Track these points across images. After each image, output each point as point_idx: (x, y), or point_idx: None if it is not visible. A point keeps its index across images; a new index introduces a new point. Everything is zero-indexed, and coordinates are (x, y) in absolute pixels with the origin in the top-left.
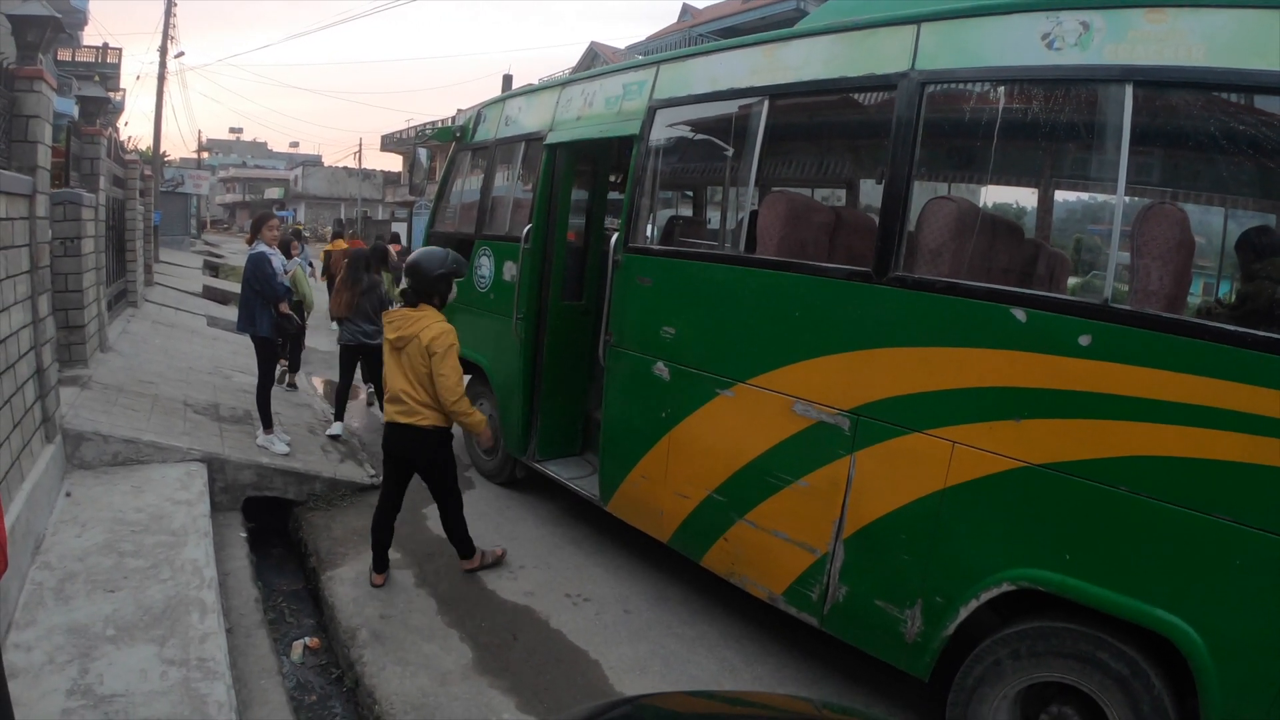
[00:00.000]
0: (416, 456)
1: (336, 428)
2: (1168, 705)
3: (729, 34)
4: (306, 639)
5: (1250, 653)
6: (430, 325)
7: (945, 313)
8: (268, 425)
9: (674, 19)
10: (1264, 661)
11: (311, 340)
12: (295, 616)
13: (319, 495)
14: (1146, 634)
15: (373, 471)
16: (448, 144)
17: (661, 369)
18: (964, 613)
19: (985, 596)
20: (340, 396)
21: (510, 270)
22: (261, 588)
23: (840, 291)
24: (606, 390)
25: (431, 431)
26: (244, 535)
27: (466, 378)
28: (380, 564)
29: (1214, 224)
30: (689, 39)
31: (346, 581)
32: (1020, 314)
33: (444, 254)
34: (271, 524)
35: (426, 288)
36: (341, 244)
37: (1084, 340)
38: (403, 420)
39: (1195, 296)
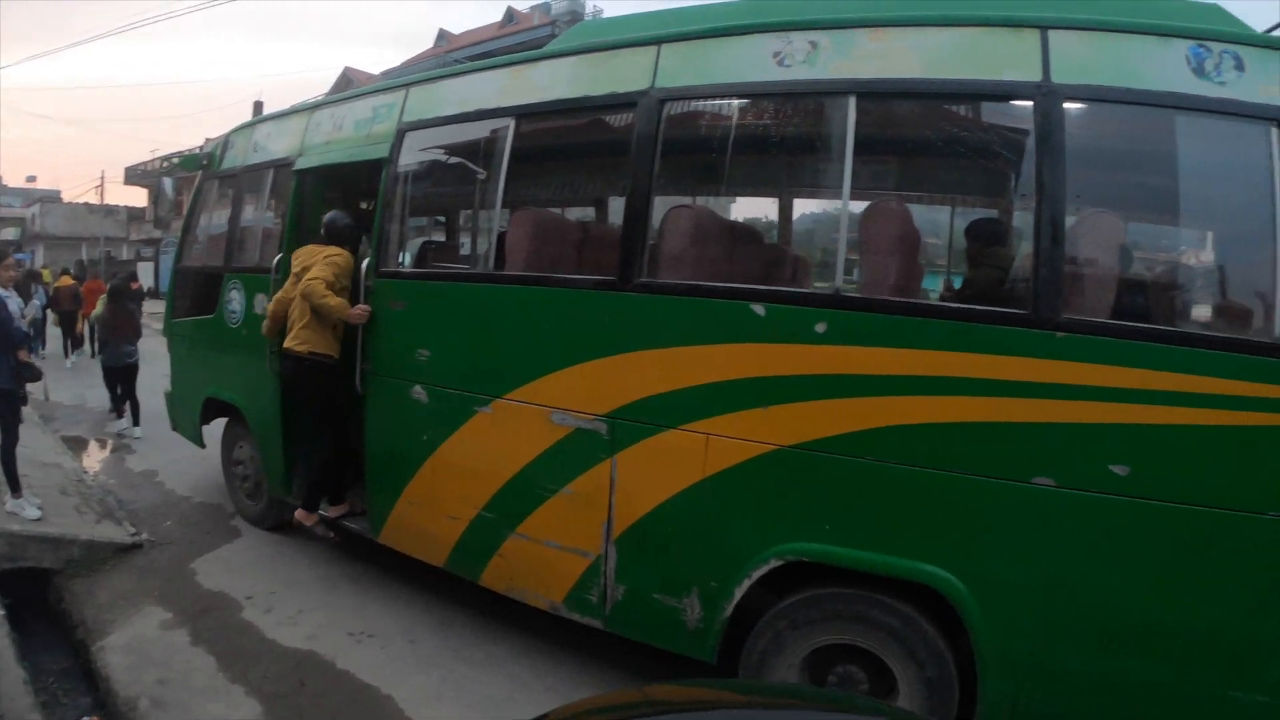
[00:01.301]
0: (302, 384)
1: (123, 424)
2: (943, 648)
3: (485, 58)
4: (85, 718)
5: (1008, 589)
6: (326, 254)
7: (689, 313)
8: (15, 489)
9: (430, 44)
10: (1022, 595)
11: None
12: (69, 696)
13: (79, 560)
14: (913, 586)
15: (133, 530)
16: (195, 173)
17: (419, 392)
18: (738, 593)
19: (756, 575)
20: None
21: (262, 303)
22: (29, 668)
23: (588, 301)
24: (367, 419)
25: (309, 359)
26: (1, 613)
27: (224, 420)
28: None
29: (942, 220)
30: (444, 63)
31: (119, 649)
32: (759, 309)
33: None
34: (32, 597)
35: (336, 235)
36: (68, 280)
37: (820, 328)
38: (291, 347)
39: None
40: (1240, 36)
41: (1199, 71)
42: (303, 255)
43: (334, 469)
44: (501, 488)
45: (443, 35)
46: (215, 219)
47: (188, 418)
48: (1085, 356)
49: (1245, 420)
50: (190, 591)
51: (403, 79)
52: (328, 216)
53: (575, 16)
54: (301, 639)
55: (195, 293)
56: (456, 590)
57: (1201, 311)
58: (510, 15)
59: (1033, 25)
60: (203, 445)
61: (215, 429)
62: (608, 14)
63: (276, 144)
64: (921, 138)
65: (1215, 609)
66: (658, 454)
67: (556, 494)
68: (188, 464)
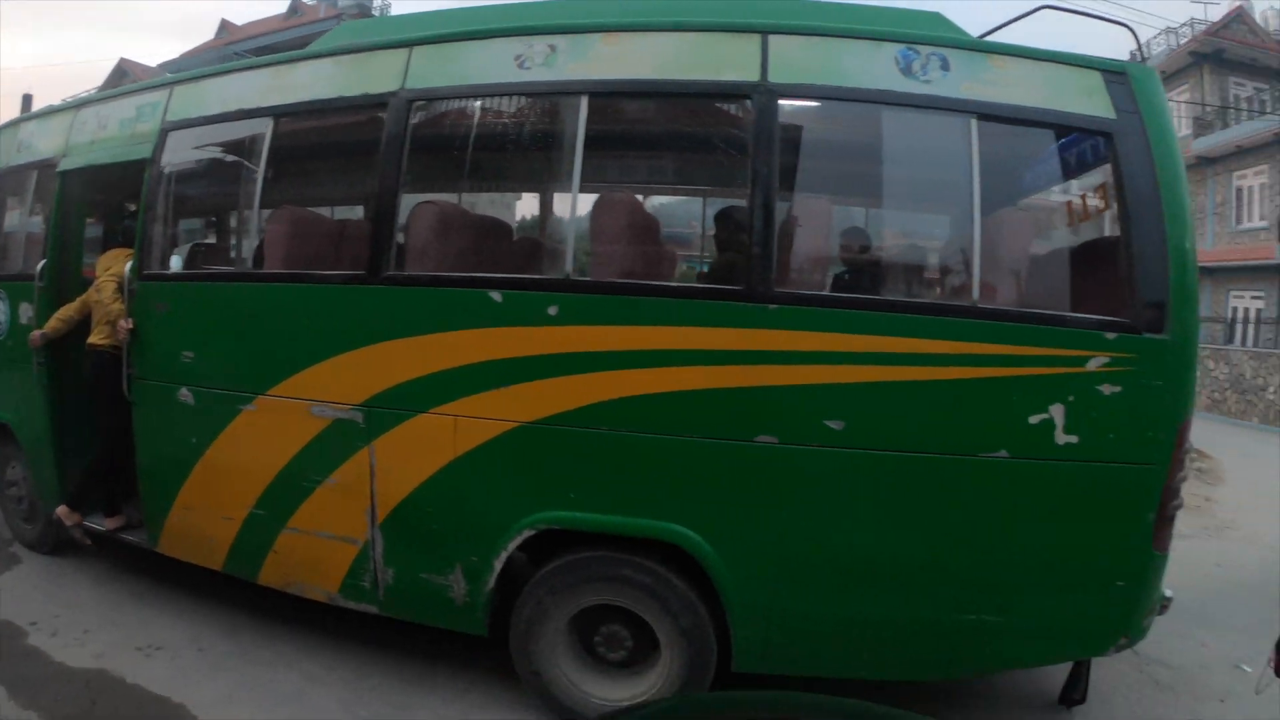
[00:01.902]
0: (104, 378)
1: None
2: (695, 599)
3: (268, 51)
4: None
5: (745, 541)
6: (129, 254)
7: (433, 303)
8: None
9: (211, 35)
10: (758, 546)
11: None
12: None
13: None
14: (661, 544)
15: None
16: None
17: (186, 395)
18: (498, 565)
19: (512, 546)
20: None
21: (27, 312)
22: None
23: (341, 296)
24: (137, 426)
25: (110, 352)
26: None
27: None
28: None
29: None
30: (224, 56)
31: None
32: (497, 295)
33: None
34: None
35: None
36: None
37: (552, 310)
38: (94, 341)
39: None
40: (949, 40)
41: (906, 71)
42: (107, 259)
43: (107, 474)
44: (270, 483)
45: (225, 27)
46: None
47: None
48: (797, 325)
49: (949, 374)
50: None
51: (167, 77)
52: (128, 222)
53: (363, 10)
54: (90, 659)
55: None
56: (241, 594)
57: (908, 281)
58: (295, 7)
59: (754, 30)
60: None
61: None
62: (396, 9)
63: (41, 143)
64: (653, 133)
65: (937, 542)
66: (411, 439)
67: (322, 485)
68: None
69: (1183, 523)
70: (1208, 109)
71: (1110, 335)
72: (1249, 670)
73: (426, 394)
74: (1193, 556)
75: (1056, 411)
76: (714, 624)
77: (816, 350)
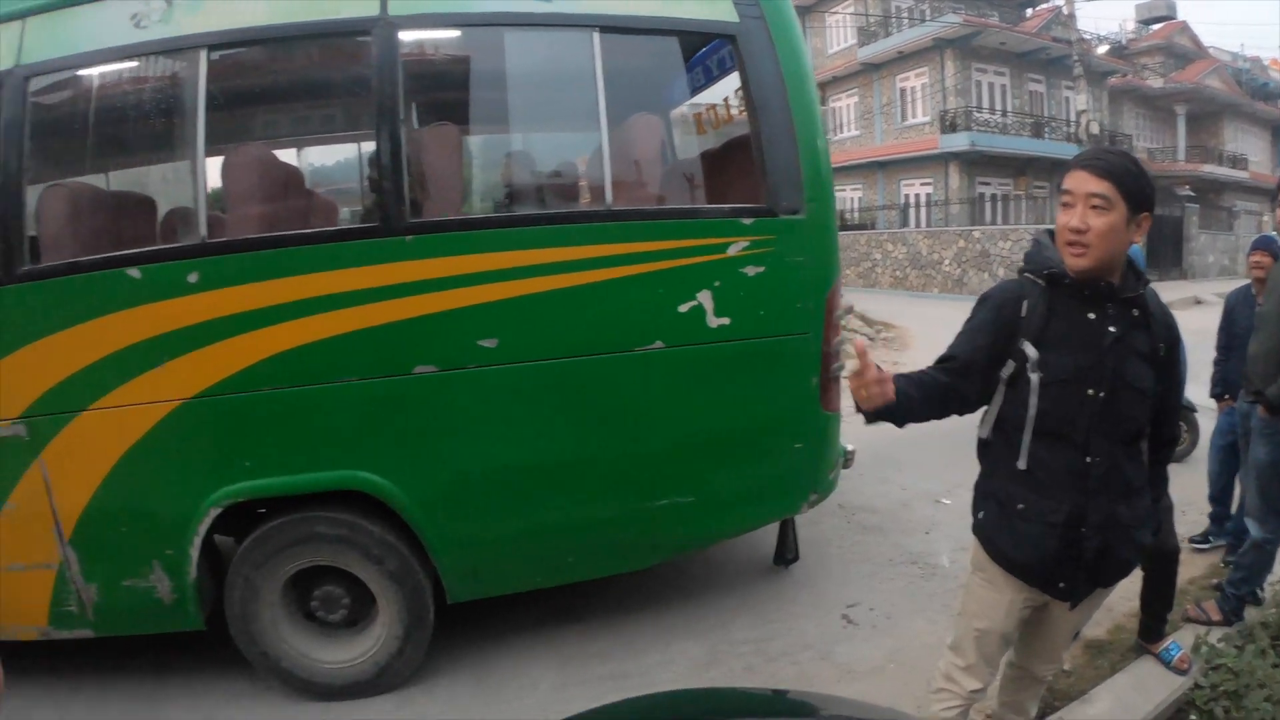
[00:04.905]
0: None
1: None
2: (394, 540)
3: None
4: None
5: (427, 473)
6: None
7: (75, 292)
8: None
9: None
10: (441, 476)
11: None
12: None
13: None
14: (350, 494)
15: None
16: None
17: None
18: (194, 553)
19: (203, 530)
20: None
21: None
22: None
23: None
24: None
25: None
26: None
27: None
28: None
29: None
30: None
31: None
32: (135, 272)
33: None
34: None
35: None
36: None
37: (193, 278)
38: None
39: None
40: None
41: None
42: None
43: None
44: None
45: None
46: None
47: None
48: (436, 253)
49: (592, 278)
50: None
51: None
52: None
53: None
54: None
55: None
56: None
57: (549, 195)
58: None
59: None
60: None
61: None
62: None
63: None
64: (281, 82)
65: (613, 438)
66: (78, 442)
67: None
68: None
69: None
70: (871, 19)
71: (747, 221)
72: (948, 503)
73: (83, 391)
74: None
75: (705, 298)
76: (422, 562)
77: (459, 274)
